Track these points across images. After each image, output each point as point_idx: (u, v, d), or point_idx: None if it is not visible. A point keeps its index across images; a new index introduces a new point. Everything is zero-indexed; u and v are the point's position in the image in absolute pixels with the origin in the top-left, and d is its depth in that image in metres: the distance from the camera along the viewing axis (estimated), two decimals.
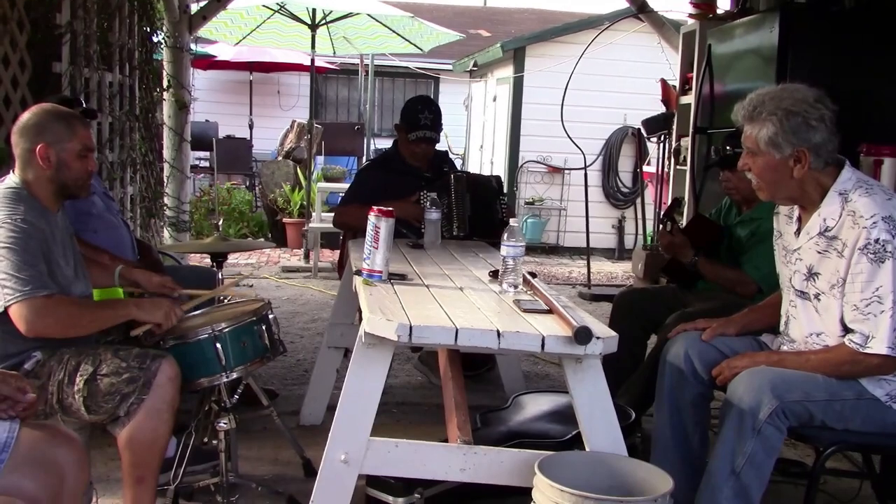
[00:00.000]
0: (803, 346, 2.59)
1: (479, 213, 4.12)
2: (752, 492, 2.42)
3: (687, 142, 6.22)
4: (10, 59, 4.01)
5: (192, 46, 7.46)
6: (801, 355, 2.55)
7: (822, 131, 2.44)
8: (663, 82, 7.30)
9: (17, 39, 4.07)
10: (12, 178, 2.63)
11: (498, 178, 4.56)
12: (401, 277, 2.81)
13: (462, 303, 2.51)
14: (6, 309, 2.42)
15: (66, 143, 2.61)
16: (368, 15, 8.68)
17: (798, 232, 2.60)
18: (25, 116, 2.64)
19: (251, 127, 13.51)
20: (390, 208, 2.74)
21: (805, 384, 2.44)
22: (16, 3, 4.04)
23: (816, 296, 2.51)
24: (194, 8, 7.27)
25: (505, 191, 4.45)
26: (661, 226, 3.82)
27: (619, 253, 10.60)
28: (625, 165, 10.70)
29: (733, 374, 2.55)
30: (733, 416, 2.43)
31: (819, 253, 2.50)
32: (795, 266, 2.59)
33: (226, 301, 3.28)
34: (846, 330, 2.44)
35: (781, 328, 2.73)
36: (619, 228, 10.73)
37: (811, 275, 2.52)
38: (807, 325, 2.57)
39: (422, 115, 4.28)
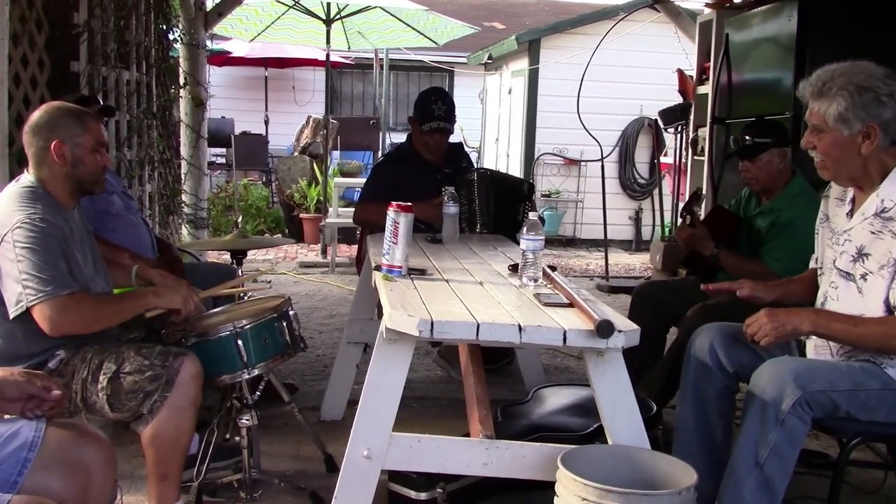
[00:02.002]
0: None
1: (502, 213, 4.10)
2: (776, 483, 2.40)
3: (704, 132, 6.19)
4: (28, 58, 4.03)
5: (208, 43, 7.48)
6: (850, 319, 2.47)
7: (892, 108, 2.42)
8: (680, 72, 7.26)
9: (35, 39, 4.09)
10: (27, 178, 2.64)
11: (531, 184, 4.55)
12: (420, 272, 2.81)
13: (482, 297, 2.51)
14: (29, 309, 2.44)
15: (80, 139, 2.62)
16: (382, 9, 8.67)
17: (851, 213, 2.57)
18: (36, 115, 2.65)
19: (267, 123, 13.54)
20: (409, 204, 2.74)
21: (829, 374, 2.42)
22: (34, 3, 4.06)
23: (863, 276, 2.48)
24: (209, 4, 7.29)
25: (533, 198, 4.42)
26: (680, 220, 3.80)
27: (637, 244, 10.57)
28: (641, 156, 10.66)
29: (775, 325, 2.48)
30: (756, 407, 2.41)
31: (872, 233, 2.47)
32: (843, 247, 2.55)
33: (246, 298, 3.29)
34: (889, 312, 2.41)
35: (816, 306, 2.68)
36: (637, 220, 10.69)
37: (860, 255, 2.49)
38: (846, 305, 2.52)
39: (435, 107, 4.28)
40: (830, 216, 2.70)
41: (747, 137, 3.68)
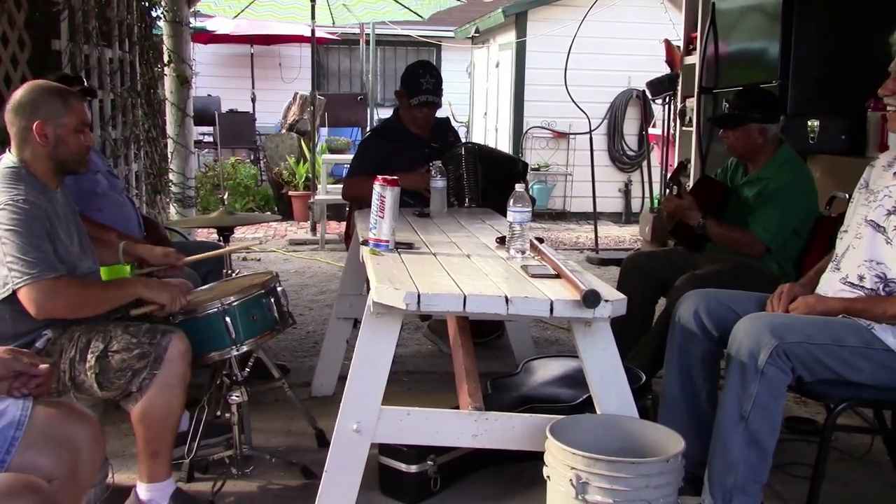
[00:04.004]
0: (854, 275, 2.55)
1: (497, 191, 4.07)
2: (763, 438, 2.41)
3: (692, 102, 6.18)
4: (8, 37, 3.99)
5: (192, 20, 7.40)
6: (879, 304, 2.47)
7: None
8: (667, 43, 7.23)
9: (15, 18, 4.04)
10: (9, 158, 2.60)
11: (525, 163, 4.54)
12: (408, 246, 2.80)
13: (470, 270, 2.51)
14: (15, 292, 2.42)
15: (63, 119, 2.59)
16: None
17: None
18: (19, 94, 2.61)
19: (254, 100, 13.46)
20: (395, 177, 2.73)
21: (806, 327, 2.44)
22: None
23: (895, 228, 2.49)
24: None
25: (526, 178, 4.39)
26: (667, 190, 3.81)
27: (627, 217, 10.57)
28: (630, 128, 10.63)
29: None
30: (736, 362, 2.44)
31: None
32: (880, 202, 2.55)
33: (234, 275, 3.28)
34: None
35: (834, 258, 2.68)
36: (626, 192, 10.69)
37: None
38: (867, 251, 2.53)
39: (423, 80, 4.25)
40: (871, 181, 2.69)
41: (730, 106, 3.69)
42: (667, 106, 7.44)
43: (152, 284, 2.70)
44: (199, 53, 10.13)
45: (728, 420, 2.44)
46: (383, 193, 2.68)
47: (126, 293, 2.65)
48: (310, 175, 9.18)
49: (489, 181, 4.14)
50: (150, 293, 2.65)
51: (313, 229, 8.55)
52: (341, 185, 5.04)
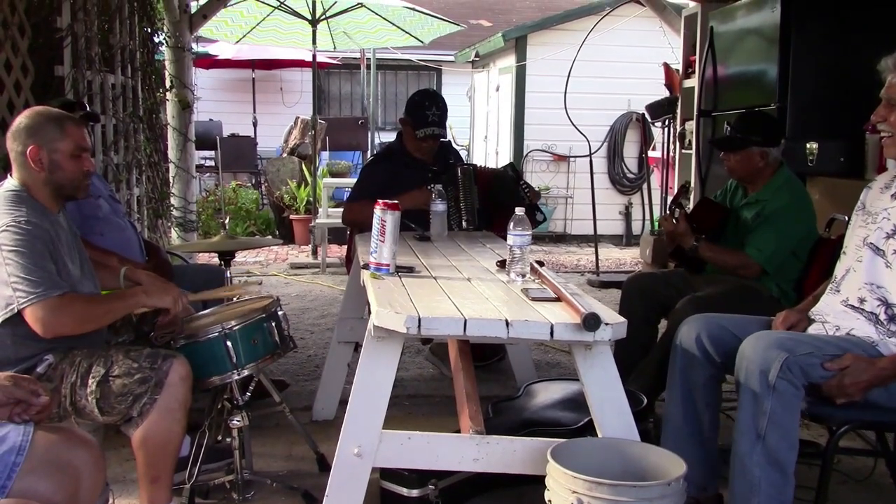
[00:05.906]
0: (854, 298, 2.55)
1: (506, 205, 4.08)
2: (783, 455, 2.37)
3: (691, 125, 6.21)
4: (12, 63, 4.02)
5: (194, 46, 7.46)
6: None
7: None
8: (666, 66, 7.28)
9: (18, 44, 4.07)
10: (11, 182, 2.63)
11: (512, 164, 4.52)
12: (408, 270, 2.81)
13: (470, 293, 2.51)
14: (20, 312, 2.43)
15: (57, 144, 2.61)
16: (367, 8, 8.68)
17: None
18: (18, 120, 2.65)
19: (255, 125, 13.51)
20: (395, 201, 2.74)
21: (814, 340, 2.45)
22: (16, 8, 4.05)
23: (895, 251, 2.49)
24: (194, 7, 7.28)
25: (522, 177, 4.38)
26: (667, 212, 3.82)
27: (627, 239, 10.58)
28: (630, 151, 10.66)
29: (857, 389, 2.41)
30: (747, 380, 2.41)
31: None
32: (879, 224, 2.56)
33: (234, 300, 3.28)
34: None
35: (834, 281, 2.68)
36: (627, 215, 10.71)
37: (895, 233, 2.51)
38: (867, 274, 2.53)
39: (429, 112, 4.22)
40: (868, 203, 2.69)
41: (732, 129, 3.70)
42: (666, 129, 7.47)
43: (153, 291, 2.71)
44: (201, 78, 10.20)
45: (744, 439, 2.40)
46: (384, 217, 2.69)
47: (129, 303, 2.67)
48: (311, 199, 9.21)
49: (488, 199, 4.14)
50: (152, 299, 2.67)
51: (314, 253, 8.55)
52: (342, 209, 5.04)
